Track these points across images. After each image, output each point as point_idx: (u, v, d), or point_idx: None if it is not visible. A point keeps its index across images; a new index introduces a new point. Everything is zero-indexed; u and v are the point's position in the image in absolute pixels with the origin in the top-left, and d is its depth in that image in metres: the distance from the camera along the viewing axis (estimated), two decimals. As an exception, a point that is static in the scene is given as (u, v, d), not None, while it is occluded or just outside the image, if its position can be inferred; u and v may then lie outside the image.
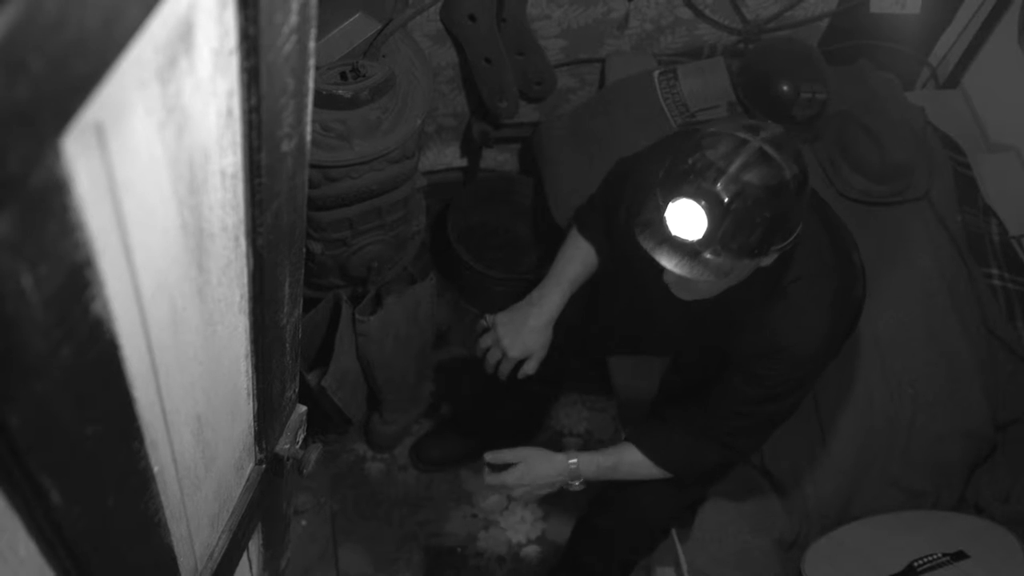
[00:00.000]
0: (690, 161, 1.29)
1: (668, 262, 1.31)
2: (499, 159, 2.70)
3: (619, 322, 1.89)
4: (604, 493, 1.96)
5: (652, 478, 1.70)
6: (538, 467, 1.70)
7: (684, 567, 1.91)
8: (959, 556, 1.82)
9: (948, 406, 2.06)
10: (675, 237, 1.29)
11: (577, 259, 1.83)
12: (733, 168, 1.26)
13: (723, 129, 1.31)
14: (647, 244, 1.32)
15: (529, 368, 1.82)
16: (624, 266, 1.74)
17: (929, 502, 2.02)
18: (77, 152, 0.45)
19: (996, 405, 2.11)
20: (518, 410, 2.27)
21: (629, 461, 1.69)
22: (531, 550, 2.31)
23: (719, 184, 1.26)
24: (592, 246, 1.82)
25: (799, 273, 1.48)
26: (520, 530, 2.33)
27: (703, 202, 1.26)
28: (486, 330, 1.83)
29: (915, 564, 1.82)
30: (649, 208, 1.34)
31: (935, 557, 1.82)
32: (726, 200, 1.26)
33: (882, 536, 1.91)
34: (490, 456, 1.73)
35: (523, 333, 1.79)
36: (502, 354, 1.80)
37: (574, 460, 1.69)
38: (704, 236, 1.27)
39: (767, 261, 1.37)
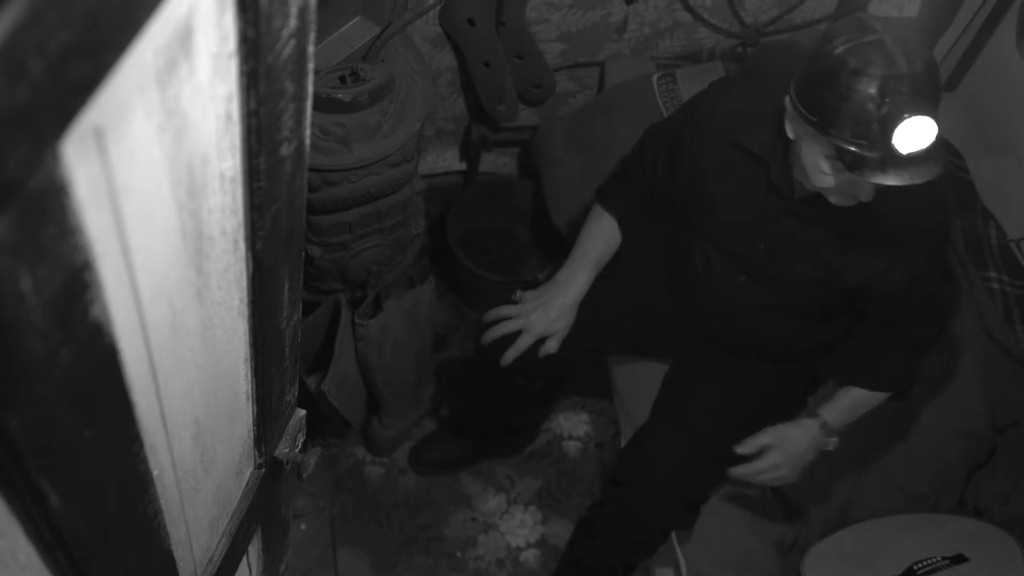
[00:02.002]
0: (866, 88, 1.31)
1: (909, 178, 1.33)
2: (498, 162, 2.71)
3: (654, 307, 1.89)
4: (605, 494, 1.97)
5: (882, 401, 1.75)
6: (794, 441, 1.72)
7: (684, 568, 1.91)
8: (959, 559, 1.82)
9: (947, 409, 2.06)
10: (907, 155, 1.32)
11: (600, 238, 1.85)
12: (905, 64, 1.30)
13: (853, 41, 1.34)
14: (877, 178, 1.34)
15: (551, 347, 1.84)
16: (700, 217, 1.72)
17: (929, 504, 2.02)
18: (76, 156, 0.45)
19: (995, 408, 2.11)
20: (518, 413, 2.27)
21: (859, 400, 1.74)
22: (530, 553, 2.31)
23: (913, 85, 1.30)
24: (616, 221, 1.84)
25: None
26: (519, 534, 2.33)
27: (927, 108, 1.31)
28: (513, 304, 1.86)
29: (914, 567, 1.82)
30: (853, 150, 1.33)
31: (934, 560, 1.82)
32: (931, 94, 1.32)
33: (881, 539, 1.91)
34: (743, 448, 1.73)
35: (549, 311, 1.82)
36: (521, 329, 1.82)
37: (822, 421, 1.72)
38: (937, 137, 1.32)
39: None
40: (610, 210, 1.85)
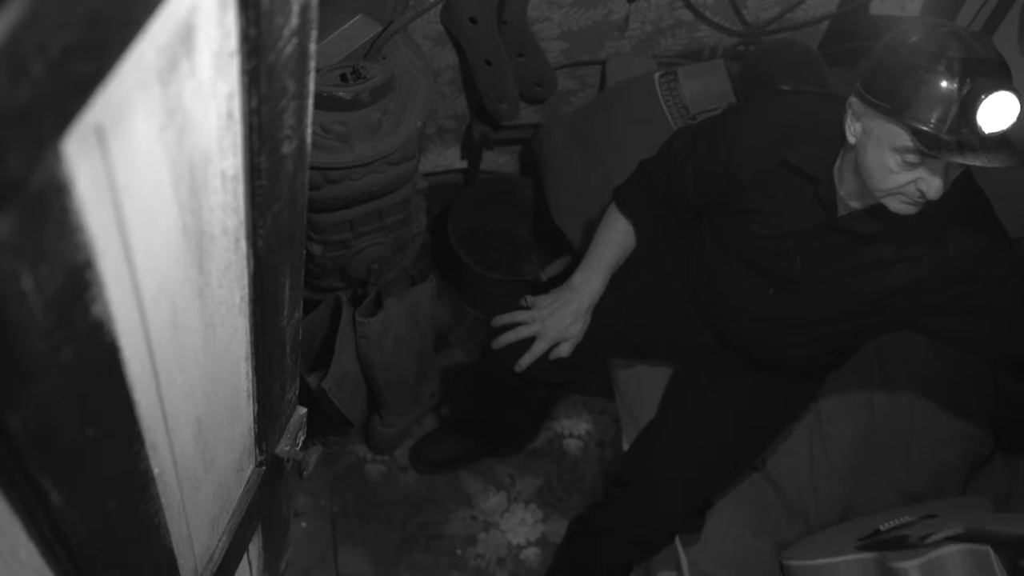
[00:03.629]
0: (947, 69, 1.28)
1: (987, 161, 1.29)
2: (499, 161, 2.71)
3: (668, 314, 1.87)
4: (609, 494, 1.96)
5: None
6: None
7: (685, 569, 1.91)
8: (927, 517, 1.81)
9: (947, 409, 2.06)
10: (987, 136, 1.28)
11: (616, 242, 1.83)
12: (982, 49, 1.29)
13: (928, 32, 1.32)
14: (955, 158, 1.30)
15: (563, 351, 1.83)
16: (732, 229, 1.69)
17: (929, 505, 2.02)
18: (78, 154, 0.45)
19: (995, 407, 2.11)
20: (519, 412, 2.27)
21: None
22: (531, 552, 2.31)
23: (992, 68, 1.29)
24: (632, 225, 1.83)
25: None
26: (520, 532, 2.33)
27: (1008, 88, 1.27)
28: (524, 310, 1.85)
29: (880, 528, 1.80)
30: (928, 132, 1.30)
31: (901, 520, 1.80)
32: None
33: (857, 522, 1.91)
34: None
35: (564, 317, 1.81)
36: (535, 334, 1.81)
37: None
38: (1018, 117, 1.28)
39: None
40: (627, 214, 1.83)
